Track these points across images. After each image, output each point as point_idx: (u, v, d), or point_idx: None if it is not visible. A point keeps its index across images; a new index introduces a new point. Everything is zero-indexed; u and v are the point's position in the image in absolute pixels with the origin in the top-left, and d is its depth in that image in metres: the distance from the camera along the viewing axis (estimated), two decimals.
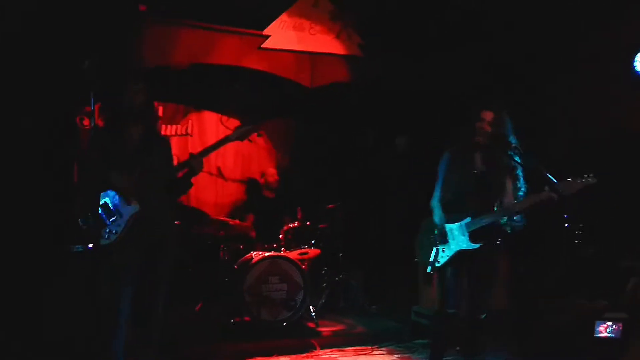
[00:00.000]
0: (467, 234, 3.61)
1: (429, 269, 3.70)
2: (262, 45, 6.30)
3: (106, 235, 3.33)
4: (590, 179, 3.44)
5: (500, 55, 5.74)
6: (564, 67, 5.42)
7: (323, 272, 6.03)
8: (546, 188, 3.46)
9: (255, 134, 3.77)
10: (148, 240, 3.40)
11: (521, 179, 3.69)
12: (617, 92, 5.03)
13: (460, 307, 3.72)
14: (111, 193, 3.42)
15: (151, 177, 3.45)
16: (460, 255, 3.64)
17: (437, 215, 3.77)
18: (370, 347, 4.89)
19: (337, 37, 6.51)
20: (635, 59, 5.02)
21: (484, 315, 3.69)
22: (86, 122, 5.93)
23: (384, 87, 6.50)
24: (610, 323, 3.97)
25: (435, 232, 3.75)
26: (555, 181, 3.49)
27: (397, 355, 4.71)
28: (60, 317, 4.40)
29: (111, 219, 3.36)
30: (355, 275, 6.32)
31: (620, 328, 3.93)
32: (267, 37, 6.30)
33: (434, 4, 6.00)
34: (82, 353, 3.92)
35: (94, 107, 3.37)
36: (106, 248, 3.30)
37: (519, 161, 3.61)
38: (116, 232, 3.34)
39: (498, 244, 3.69)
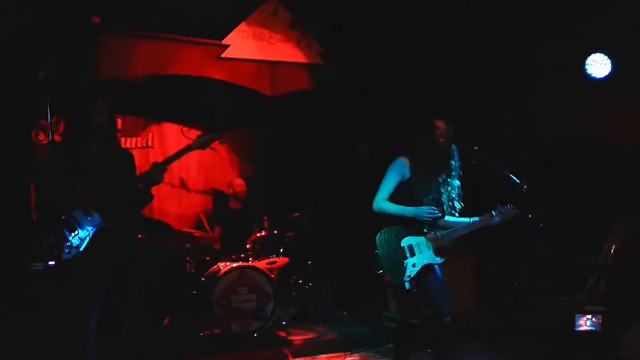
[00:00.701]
0: (432, 248, 3.68)
1: (407, 285, 3.65)
2: (222, 55, 6.27)
3: (67, 250, 3.23)
4: (514, 210, 3.66)
5: (459, 58, 5.87)
6: (520, 70, 5.57)
7: (292, 280, 6.00)
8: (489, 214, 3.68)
9: (217, 141, 3.74)
10: (113, 253, 3.32)
11: (457, 178, 3.81)
12: (572, 94, 5.20)
13: (421, 315, 3.78)
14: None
15: (114, 190, 3.39)
16: (424, 268, 3.68)
17: (395, 208, 3.72)
18: (343, 354, 4.89)
19: (297, 45, 6.53)
20: (587, 62, 5.22)
21: (448, 318, 3.71)
22: (41, 137, 5.76)
23: (345, 94, 6.54)
24: (590, 316, 4.04)
25: (404, 244, 3.70)
26: (519, 181, 3.68)
27: None
28: (21, 337, 4.23)
29: (72, 233, 3.27)
30: (325, 283, 6.32)
31: (600, 320, 4.01)
32: (226, 46, 6.27)
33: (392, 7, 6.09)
34: None
35: (51, 119, 3.30)
36: (69, 263, 3.21)
37: (459, 163, 3.77)
38: (77, 246, 3.26)
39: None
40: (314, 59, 6.59)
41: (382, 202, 3.77)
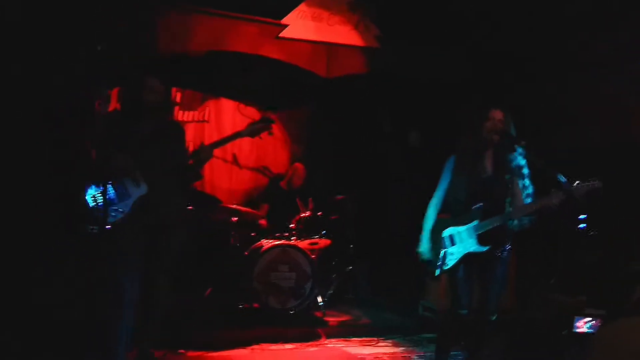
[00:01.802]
0: (475, 236, 3.58)
1: (437, 272, 3.65)
2: (279, 35, 6.30)
3: (113, 213, 3.38)
4: (596, 183, 3.43)
5: (507, 53, 5.69)
6: (569, 68, 5.35)
7: (332, 262, 6.06)
8: (553, 191, 3.44)
9: (267, 132, 3.80)
10: (151, 224, 3.45)
11: (527, 178, 3.64)
12: (623, 95, 4.94)
13: (472, 307, 3.69)
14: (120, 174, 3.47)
15: (159, 163, 3.50)
16: (469, 257, 3.61)
17: (429, 218, 3.74)
18: (375, 339, 4.92)
19: (355, 28, 6.48)
20: None
21: (494, 317, 3.66)
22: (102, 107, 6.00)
23: (400, 79, 6.46)
24: (589, 319, 3.92)
25: (444, 234, 3.68)
26: (565, 180, 3.46)
27: (402, 348, 4.73)
28: (70, 301, 4.48)
29: (120, 199, 3.42)
30: (364, 267, 6.34)
31: (599, 324, 3.89)
32: (285, 26, 6.30)
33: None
34: (88, 337, 4.00)
35: (107, 91, 3.45)
36: (110, 228, 3.36)
37: (524, 161, 3.58)
38: (123, 211, 3.40)
39: (507, 247, 3.64)
40: (372, 42, 6.52)
41: (430, 206, 3.75)
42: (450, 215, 3.72)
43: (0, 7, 4.38)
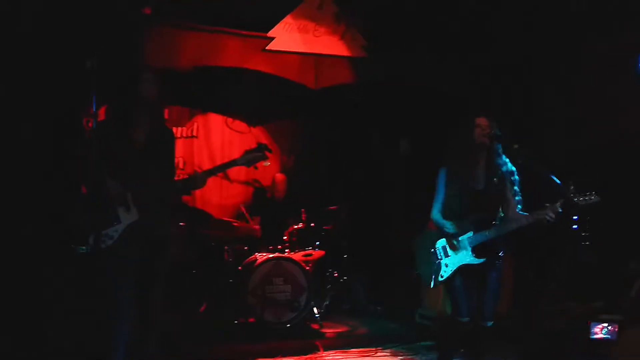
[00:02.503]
0: (469, 248, 3.59)
1: (432, 284, 3.67)
2: (266, 47, 6.31)
3: (103, 240, 3.33)
4: (594, 198, 3.43)
5: (501, 57, 5.73)
6: (564, 69, 5.39)
7: (327, 273, 6.02)
8: (548, 205, 3.45)
9: (262, 161, 3.76)
10: (141, 244, 3.40)
11: (517, 185, 3.63)
12: (619, 94, 4.99)
13: (475, 315, 3.69)
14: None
15: (153, 180, 3.45)
16: (464, 268, 3.63)
17: (447, 225, 3.67)
18: (374, 349, 4.88)
19: (342, 38, 6.51)
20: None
21: (490, 323, 3.66)
22: (92, 124, 5.93)
23: (388, 88, 6.49)
24: (606, 324, 3.92)
25: (438, 245, 3.70)
26: (560, 183, 3.48)
27: (400, 357, 4.69)
28: (63, 319, 4.42)
29: (110, 224, 3.36)
30: (359, 277, 6.31)
31: (616, 329, 3.89)
32: (271, 39, 6.31)
33: (438, 6, 6.00)
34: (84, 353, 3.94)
35: (96, 109, 3.39)
36: (103, 251, 3.31)
37: (514, 168, 3.60)
38: (112, 237, 3.35)
39: (501, 256, 3.64)
40: (358, 53, 6.55)
41: (435, 214, 3.73)
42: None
43: None
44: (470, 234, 3.60)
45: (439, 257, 3.67)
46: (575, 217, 4.51)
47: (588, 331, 3.91)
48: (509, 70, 5.72)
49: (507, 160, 3.61)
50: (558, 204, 3.44)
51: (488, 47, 5.82)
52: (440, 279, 3.65)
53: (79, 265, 4.42)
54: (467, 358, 4.01)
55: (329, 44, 6.52)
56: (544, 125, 5.48)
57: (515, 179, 3.63)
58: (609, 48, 5.04)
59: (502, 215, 3.60)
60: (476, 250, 3.57)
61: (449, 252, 3.65)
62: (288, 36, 6.38)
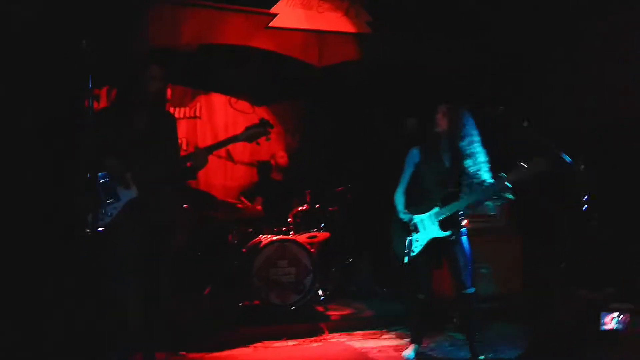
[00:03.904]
0: (436, 223, 3.86)
1: (405, 259, 3.93)
2: (269, 25, 6.17)
3: (102, 217, 3.30)
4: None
5: (499, 42, 5.60)
6: (563, 53, 5.26)
7: (332, 255, 5.96)
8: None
9: (264, 137, 3.70)
10: (148, 226, 3.36)
11: (478, 144, 3.84)
12: (618, 77, 4.85)
13: (431, 292, 4.06)
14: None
15: (154, 163, 3.42)
16: (432, 243, 3.89)
17: (399, 207, 4.02)
18: (379, 331, 4.86)
19: (346, 14, 6.35)
20: None
21: (472, 290, 3.87)
22: (95, 105, 5.86)
23: (393, 66, 6.35)
24: (616, 314, 3.87)
25: (408, 222, 3.97)
26: (570, 160, 3.72)
27: (406, 339, 4.60)
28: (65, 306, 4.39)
29: (109, 201, 3.33)
30: (365, 259, 6.25)
31: (628, 319, 3.83)
32: (274, 15, 6.17)
33: None
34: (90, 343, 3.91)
35: (93, 89, 3.33)
36: (103, 231, 3.28)
37: (476, 131, 3.86)
38: (111, 215, 3.32)
39: (464, 225, 3.93)
40: (363, 29, 6.40)
41: (396, 194, 4.07)
42: (413, 204, 4.02)
43: None
44: (436, 209, 3.85)
45: (409, 233, 3.95)
46: (585, 197, 4.44)
47: (598, 321, 3.85)
48: (510, 53, 5.59)
49: (473, 135, 3.84)
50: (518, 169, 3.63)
51: (489, 29, 5.69)
52: (412, 254, 3.92)
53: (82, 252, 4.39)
54: (464, 329, 4.23)
55: (333, 20, 6.37)
56: (548, 105, 5.35)
57: (475, 139, 3.83)
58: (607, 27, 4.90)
59: (467, 188, 3.84)
60: (442, 224, 3.84)
61: (419, 227, 3.93)
62: (291, 12, 6.23)
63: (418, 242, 3.91)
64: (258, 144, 3.72)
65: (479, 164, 3.80)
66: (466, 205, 3.82)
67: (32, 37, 4.76)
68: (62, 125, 4.83)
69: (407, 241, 3.93)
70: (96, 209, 3.22)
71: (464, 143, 3.83)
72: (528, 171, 3.61)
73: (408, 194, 4.05)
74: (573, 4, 5.14)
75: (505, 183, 3.63)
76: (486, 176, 3.77)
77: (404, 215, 3.99)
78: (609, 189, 4.39)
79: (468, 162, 3.81)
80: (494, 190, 3.69)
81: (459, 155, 3.85)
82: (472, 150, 3.81)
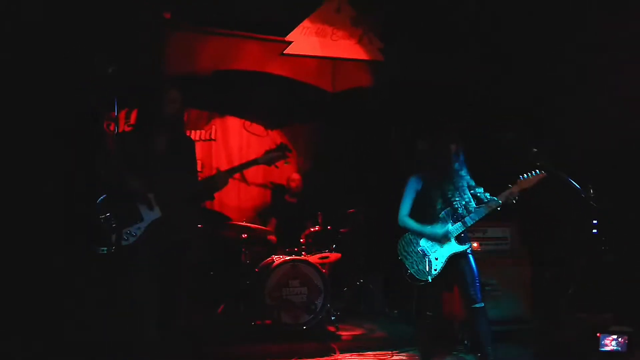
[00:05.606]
0: (453, 239, 4.00)
1: (429, 278, 3.99)
2: (284, 51, 6.37)
3: (125, 237, 3.40)
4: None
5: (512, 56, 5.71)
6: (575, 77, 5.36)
7: (344, 276, 6.03)
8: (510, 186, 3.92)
9: (283, 160, 3.83)
10: (165, 243, 3.46)
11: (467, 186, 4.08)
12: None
13: (440, 311, 4.18)
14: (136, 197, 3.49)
15: (171, 184, 3.51)
16: (448, 260, 4.00)
17: (413, 225, 4.11)
18: (390, 352, 4.87)
19: (359, 42, 6.54)
20: None
21: (481, 304, 3.92)
22: (112, 127, 6.05)
23: (405, 89, 6.49)
24: (615, 336, 3.94)
25: (422, 244, 4.07)
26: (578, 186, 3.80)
27: None
28: (83, 318, 4.49)
29: (133, 222, 3.43)
30: (376, 280, 6.31)
31: (626, 341, 3.89)
32: (289, 43, 6.37)
33: (451, 7, 5.99)
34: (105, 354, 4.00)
35: (117, 113, 3.48)
36: (125, 249, 3.38)
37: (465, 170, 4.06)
38: (135, 235, 3.41)
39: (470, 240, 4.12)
40: (375, 56, 6.58)
41: (402, 218, 4.17)
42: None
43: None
44: (457, 225, 3.97)
45: (427, 254, 4.03)
46: (594, 222, 4.53)
47: (598, 343, 3.93)
48: (522, 69, 5.69)
49: (464, 174, 4.07)
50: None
51: (499, 45, 5.81)
52: (434, 272, 3.99)
53: (100, 268, 4.51)
54: (475, 347, 4.27)
55: (347, 48, 6.57)
56: (561, 125, 5.43)
57: (465, 186, 4.04)
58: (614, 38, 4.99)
59: (473, 204, 4.01)
60: (458, 239, 3.99)
61: (435, 246, 4.02)
62: (306, 40, 6.44)
63: (438, 260, 4.00)
64: (277, 167, 3.84)
65: (476, 187, 4.08)
66: (477, 219, 3.97)
67: (52, 61, 4.95)
68: (82, 144, 5.02)
69: (427, 261, 4.00)
70: (120, 229, 3.34)
71: (455, 175, 4.06)
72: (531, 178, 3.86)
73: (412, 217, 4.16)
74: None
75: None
76: (473, 205, 4.01)
77: (430, 230, 4.04)
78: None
79: (471, 183, 4.08)
80: (498, 204, 3.94)
81: (465, 178, 4.07)
82: (462, 172, 4.07)
